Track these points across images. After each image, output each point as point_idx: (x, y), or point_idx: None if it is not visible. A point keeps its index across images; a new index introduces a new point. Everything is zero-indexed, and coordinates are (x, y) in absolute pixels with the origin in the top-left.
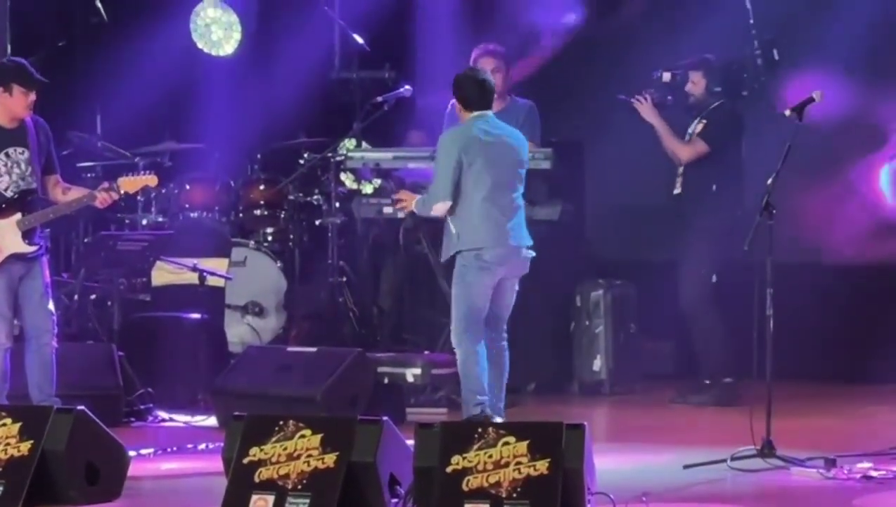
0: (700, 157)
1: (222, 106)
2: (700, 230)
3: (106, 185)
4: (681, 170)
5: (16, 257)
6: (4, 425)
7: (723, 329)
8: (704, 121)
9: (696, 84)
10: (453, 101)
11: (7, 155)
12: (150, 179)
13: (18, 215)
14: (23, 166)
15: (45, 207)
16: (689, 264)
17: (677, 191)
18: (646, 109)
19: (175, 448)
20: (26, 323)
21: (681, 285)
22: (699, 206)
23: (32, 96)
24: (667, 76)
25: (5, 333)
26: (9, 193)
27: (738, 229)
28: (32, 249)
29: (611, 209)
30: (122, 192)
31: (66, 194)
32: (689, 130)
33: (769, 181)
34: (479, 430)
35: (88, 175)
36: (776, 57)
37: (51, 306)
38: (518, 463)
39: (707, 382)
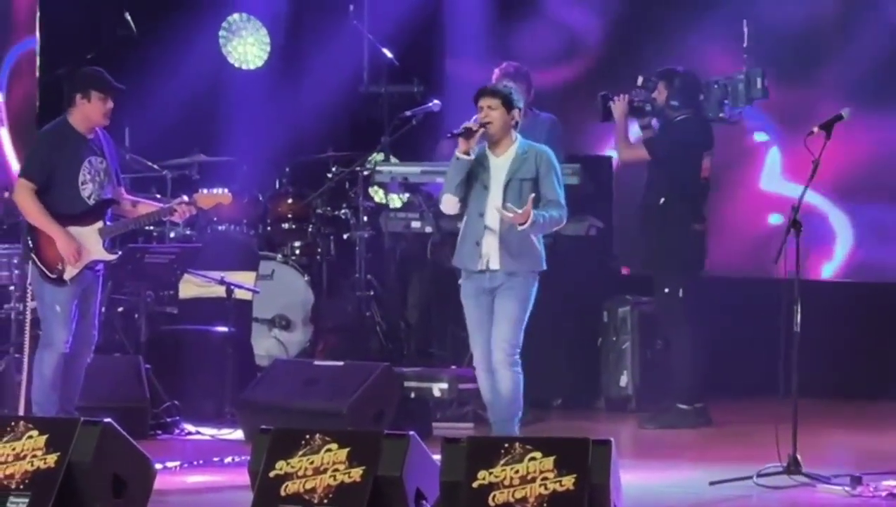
0: (636, 162)
1: (251, 119)
2: (651, 241)
3: (186, 199)
4: (646, 181)
5: (88, 268)
6: (31, 437)
7: (691, 350)
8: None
9: (660, 93)
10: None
11: (90, 163)
12: (225, 197)
13: (100, 224)
14: (102, 176)
15: (123, 218)
16: (656, 283)
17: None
18: (618, 107)
19: (201, 461)
20: (74, 334)
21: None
22: (650, 218)
23: (110, 104)
24: (639, 80)
25: (67, 340)
26: (91, 201)
27: (699, 244)
28: (114, 257)
29: (639, 225)
30: (199, 206)
31: (135, 206)
32: None
33: (798, 198)
34: (506, 445)
35: None
36: (760, 86)
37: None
38: (544, 479)
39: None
